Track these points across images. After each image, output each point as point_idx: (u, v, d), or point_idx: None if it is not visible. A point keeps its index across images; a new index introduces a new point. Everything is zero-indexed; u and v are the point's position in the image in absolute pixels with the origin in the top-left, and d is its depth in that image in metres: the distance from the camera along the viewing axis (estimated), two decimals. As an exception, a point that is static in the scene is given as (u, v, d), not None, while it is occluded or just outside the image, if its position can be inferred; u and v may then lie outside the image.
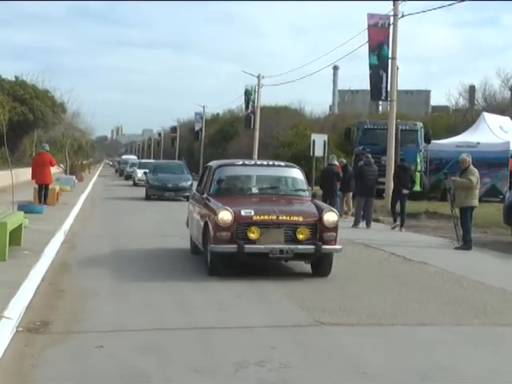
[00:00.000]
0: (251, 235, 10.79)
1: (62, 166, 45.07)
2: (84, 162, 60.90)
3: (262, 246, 10.79)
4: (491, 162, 29.62)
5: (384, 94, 26.41)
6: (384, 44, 25.92)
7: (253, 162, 13.75)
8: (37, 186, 23.28)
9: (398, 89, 32.21)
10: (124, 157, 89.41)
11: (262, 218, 10.85)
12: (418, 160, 31.19)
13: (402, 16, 26.26)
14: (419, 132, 32.02)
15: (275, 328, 8.02)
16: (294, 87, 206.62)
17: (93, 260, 13.04)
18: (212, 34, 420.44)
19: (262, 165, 13.26)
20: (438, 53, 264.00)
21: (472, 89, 65.34)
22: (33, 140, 50.15)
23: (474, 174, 15.79)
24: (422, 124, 33.42)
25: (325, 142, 36.50)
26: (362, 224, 20.88)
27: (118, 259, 13.24)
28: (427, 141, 31.86)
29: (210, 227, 11.02)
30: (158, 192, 31.51)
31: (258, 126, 49.84)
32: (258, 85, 49.94)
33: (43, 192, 23.03)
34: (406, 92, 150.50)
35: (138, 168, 46.74)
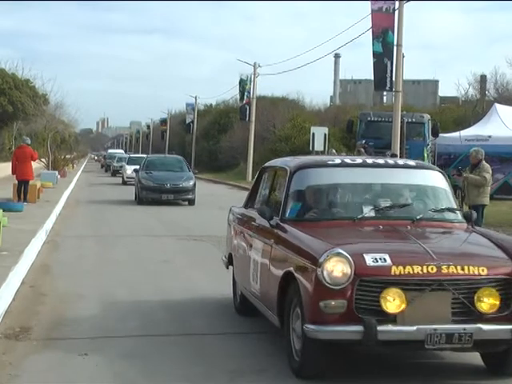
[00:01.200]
0: (389, 306, 6.03)
1: (43, 160, 44.98)
2: (67, 157, 60.75)
3: (412, 329, 6.00)
4: (504, 156, 29.62)
5: (389, 84, 26.39)
6: (389, 30, 25.89)
7: (359, 161, 8.06)
8: (17, 181, 23.22)
9: (404, 78, 32.24)
10: (110, 151, 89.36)
11: (408, 270, 6.11)
12: (425, 155, 31.15)
13: (408, 0, 26.25)
14: (426, 125, 31.97)
15: (275, 334, 8.00)
16: (292, 77, 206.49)
17: (76, 261, 13.01)
18: (204, 19, 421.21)
19: (375, 165, 7.93)
20: (446, 40, 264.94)
21: (483, 78, 65.35)
22: (12, 133, 50.05)
23: (487, 171, 15.77)
24: (429, 116, 33.35)
25: (325, 135, 36.51)
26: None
27: (103, 261, 13.21)
28: (435, 134, 31.81)
29: (304, 289, 6.23)
30: (152, 195, 27.24)
31: (253, 118, 49.86)
32: (254, 74, 49.95)
33: (23, 188, 22.97)
34: (413, 82, 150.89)
35: (128, 164, 43.10)
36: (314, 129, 38.14)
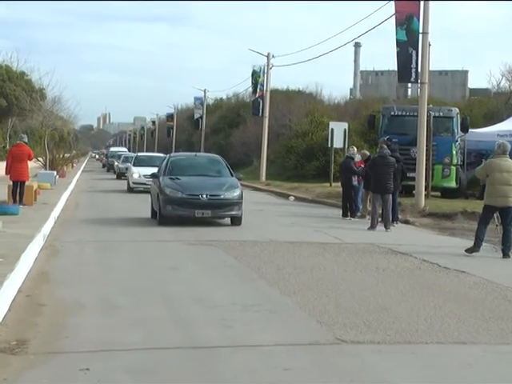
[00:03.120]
0: None
1: (40, 159, 45.14)
2: (66, 156, 60.96)
3: None
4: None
5: (414, 76, 26.30)
6: (414, 17, 25.80)
7: None
8: (11, 182, 23.30)
9: (430, 69, 32.12)
10: (112, 149, 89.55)
11: None
12: (454, 152, 31.11)
13: (435, -16, 26.15)
14: (455, 119, 31.92)
15: (288, 346, 7.99)
16: (308, 68, 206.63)
17: (76, 268, 13.03)
18: (212, 6, 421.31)
19: None
20: (476, 27, 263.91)
21: (516, 69, 65.07)
22: (7, 130, 50.25)
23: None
24: (458, 110, 33.30)
25: (345, 131, 36.57)
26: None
27: (105, 267, 13.23)
28: (464, 129, 31.75)
29: None
30: (182, 210, 20.43)
31: (267, 113, 49.81)
32: (268, 65, 49.90)
33: (19, 190, 23.05)
34: (440, 73, 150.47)
35: (134, 165, 38.11)
36: (332, 124, 38.24)
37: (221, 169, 22.67)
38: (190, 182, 21.02)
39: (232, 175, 22.17)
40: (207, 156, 26.88)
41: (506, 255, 15.65)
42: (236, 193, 20.90)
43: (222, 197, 20.55)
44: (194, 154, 24.75)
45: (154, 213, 22.11)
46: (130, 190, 36.73)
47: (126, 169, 44.91)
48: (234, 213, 20.67)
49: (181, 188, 20.65)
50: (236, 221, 20.89)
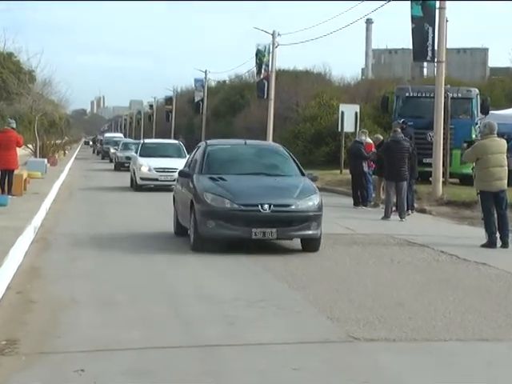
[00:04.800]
0: None
1: (30, 146, 45.16)
2: (58, 142, 61.01)
3: None
4: None
5: (430, 54, 26.23)
6: (430, -10, 25.73)
7: None
8: (-1, 171, 23.31)
9: (448, 47, 32.05)
10: (108, 135, 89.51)
11: None
12: (474, 136, 31.02)
13: (453, -45, 26.08)
14: (474, 100, 31.88)
15: (298, 345, 7.99)
16: (317, 47, 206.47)
17: (70, 263, 13.04)
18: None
19: None
20: (497, 2, 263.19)
21: (540, 46, 64.96)
22: (-7, 115, 50.27)
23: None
24: (477, 90, 33.24)
25: (356, 114, 36.51)
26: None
27: (102, 261, 13.24)
28: (484, 111, 31.68)
29: None
30: (232, 229, 14.24)
31: (272, 96, 49.72)
32: (273, 44, 49.79)
33: (7, 179, 23.05)
34: (458, 51, 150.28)
35: (141, 155, 32.22)
36: (343, 107, 38.18)
37: (285, 164, 16.42)
38: (243, 185, 14.95)
39: (303, 174, 16.01)
40: (263, 145, 20.75)
41: (505, 244, 15.55)
42: (314, 201, 14.80)
43: (293, 207, 14.44)
44: (242, 141, 18.38)
45: (180, 228, 16.59)
46: (138, 187, 30.77)
47: (127, 158, 42.16)
48: (310, 232, 14.53)
49: (229, 194, 14.46)
50: (312, 245, 14.82)
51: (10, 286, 10.67)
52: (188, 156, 20.27)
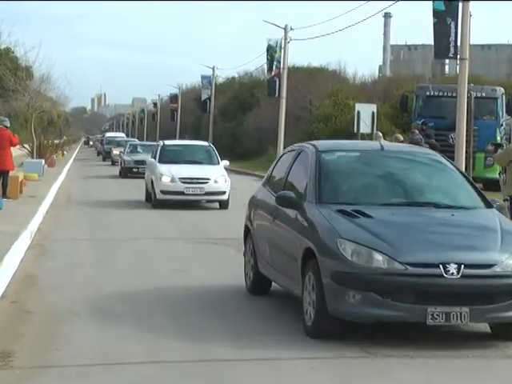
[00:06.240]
0: None
1: (26, 146, 45.20)
2: (56, 142, 61.08)
3: None
4: None
5: (452, 50, 26.17)
6: (453, -17, 25.71)
7: None
8: (-7, 173, 23.32)
9: (472, 43, 32.00)
10: (109, 134, 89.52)
11: None
12: (499, 137, 31.01)
13: None
14: (499, 100, 31.84)
15: (310, 360, 7.98)
16: (332, 42, 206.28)
17: (68, 271, 13.04)
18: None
19: None
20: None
21: None
22: (-13, 113, 50.32)
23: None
24: (503, 90, 33.21)
25: (373, 114, 36.35)
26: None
27: (101, 270, 13.26)
28: (510, 112, 31.66)
29: None
30: (392, 308, 8.57)
31: (284, 94, 49.70)
32: (285, 39, 49.80)
33: (2, 181, 23.07)
34: (482, 47, 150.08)
35: (160, 161, 26.24)
36: (359, 106, 38.03)
37: (453, 184, 10.75)
38: (404, 228, 9.36)
39: (487, 203, 10.37)
40: (408, 150, 12.01)
41: None
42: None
43: (497, 269, 8.83)
44: (372, 143, 14.36)
45: (259, 283, 11.43)
46: (157, 202, 24.84)
47: (135, 162, 39.48)
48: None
49: (385, 244, 8.86)
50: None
51: (5, 295, 10.68)
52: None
